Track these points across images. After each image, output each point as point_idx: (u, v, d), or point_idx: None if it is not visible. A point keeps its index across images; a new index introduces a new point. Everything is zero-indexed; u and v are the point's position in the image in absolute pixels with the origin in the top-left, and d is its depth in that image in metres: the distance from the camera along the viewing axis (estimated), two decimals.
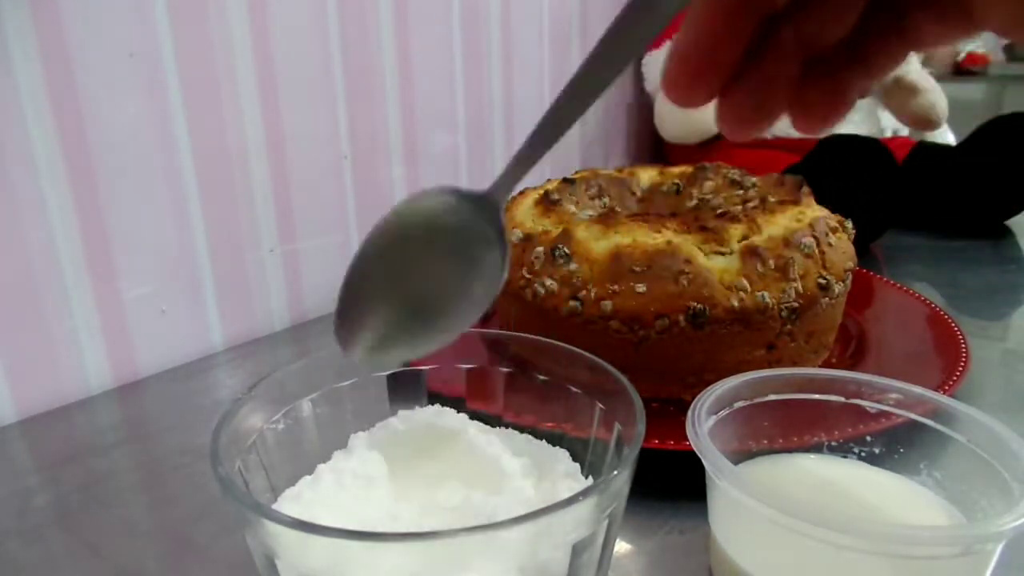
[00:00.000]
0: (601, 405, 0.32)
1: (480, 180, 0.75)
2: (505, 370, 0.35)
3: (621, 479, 0.25)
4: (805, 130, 0.22)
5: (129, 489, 0.41)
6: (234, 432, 0.28)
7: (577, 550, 0.25)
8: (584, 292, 0.43)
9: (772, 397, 0.35)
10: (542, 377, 0.34)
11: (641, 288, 0.42)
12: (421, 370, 0.36)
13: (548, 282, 0.44)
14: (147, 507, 0.39)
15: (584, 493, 0.23)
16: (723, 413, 0.33)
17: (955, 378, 0.43)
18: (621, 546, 0.35)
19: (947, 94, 0.97)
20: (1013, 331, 0.59)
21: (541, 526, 0.22)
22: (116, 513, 0.38)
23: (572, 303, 0.43)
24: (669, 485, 0.39)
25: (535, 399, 0.34)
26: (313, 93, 0.61)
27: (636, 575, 0.34)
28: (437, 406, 0.33)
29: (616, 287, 0.42)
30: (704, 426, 0.31)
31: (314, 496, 0.29)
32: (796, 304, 0.43)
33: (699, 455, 0.29)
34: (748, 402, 0.34)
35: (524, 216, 0.50)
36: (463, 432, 0.31)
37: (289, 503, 0.29)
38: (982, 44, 2.57)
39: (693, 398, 0.36)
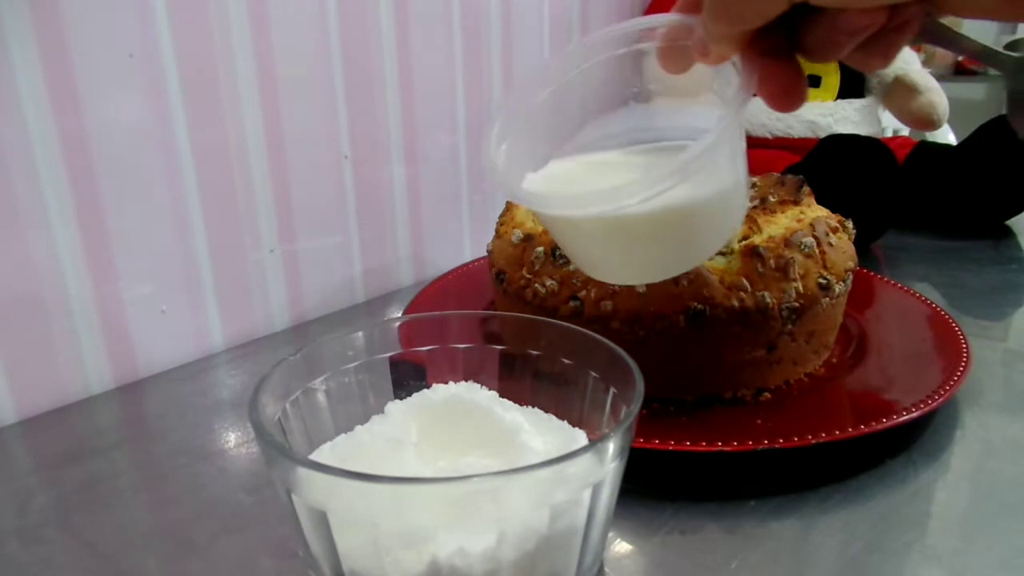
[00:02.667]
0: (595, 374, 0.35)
1: (480, 180, 0.75)
2: (498, 347, 0.38)
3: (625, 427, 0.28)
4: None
5: (129, 489, 0.41)
6: (278, 390, 0.32)
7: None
8: (584, 292, 0.43)
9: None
10: (535, 353, 0.37)
11: (641, 288, 0.42)
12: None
13: (548, 282, 0.44)
14: (147, 507, 0.39)
15: (599, 440, 0.27)
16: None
17: (956, 378, 0.43)
18: (621, 546, 0.35)
19: (948, 94, 0.97)
20: (1014, 331, 0.59)
21: (558, 470, 0.26)
22: (116, 513, 0.38)
23: (572, 303, 0.43)
24: (669, 485, 0.39)
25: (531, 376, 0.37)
26: (313, 93, 0.61)
27: (636, 575, 0.34)
28: (471, 382, 0.36)
29: (616, 287, 0.42)
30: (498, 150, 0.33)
31: (346, 451, 0.32)
32: (796, 304, 0.43)
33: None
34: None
35: (524, 216, 0.50)
36: (491, 408, 0.33)
37: (321, 455, 0.32)
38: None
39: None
